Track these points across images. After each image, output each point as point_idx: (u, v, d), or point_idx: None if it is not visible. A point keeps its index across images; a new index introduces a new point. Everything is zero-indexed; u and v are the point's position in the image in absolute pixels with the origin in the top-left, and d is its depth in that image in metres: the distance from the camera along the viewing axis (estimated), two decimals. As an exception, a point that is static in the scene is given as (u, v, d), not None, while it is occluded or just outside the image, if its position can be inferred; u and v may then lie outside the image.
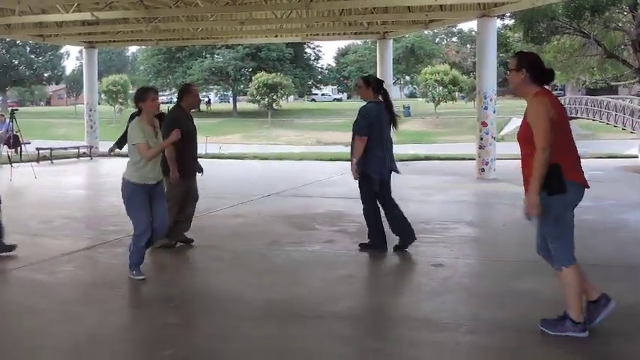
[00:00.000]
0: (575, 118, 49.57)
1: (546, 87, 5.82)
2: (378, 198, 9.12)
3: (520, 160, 5.86)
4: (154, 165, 7.66)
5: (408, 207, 12.39)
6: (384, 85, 9.37)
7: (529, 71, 5.71)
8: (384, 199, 9.15)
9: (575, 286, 5.75)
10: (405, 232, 9.18)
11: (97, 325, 6.27)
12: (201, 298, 7.16)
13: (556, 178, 5.52)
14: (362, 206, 9.19)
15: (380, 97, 9.06)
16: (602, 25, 24.59)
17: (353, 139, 8.93)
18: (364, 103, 8.98)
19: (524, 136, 5.68)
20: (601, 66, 28.14)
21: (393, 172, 9.23)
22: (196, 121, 9.58)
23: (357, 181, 9.04)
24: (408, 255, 9.06)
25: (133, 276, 7.68)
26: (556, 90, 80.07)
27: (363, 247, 9.26)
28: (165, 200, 7.98)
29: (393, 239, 9.21)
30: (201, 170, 9.66)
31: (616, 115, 41.77)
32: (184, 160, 9.07)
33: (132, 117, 9.83)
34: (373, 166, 8.88)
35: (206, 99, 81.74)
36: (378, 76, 25.15)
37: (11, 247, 8.86)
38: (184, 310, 6.74)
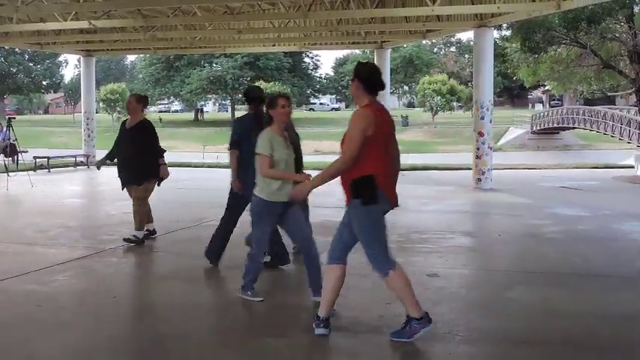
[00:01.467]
0: (573, 128, 49.68)
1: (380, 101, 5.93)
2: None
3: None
4: (284, 181, 6.94)
5: (404, 217, 12.43)
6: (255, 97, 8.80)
7: (361, 82, 5.82)
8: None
9: (404, 285, 5.86)
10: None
11: (90, 334, 6.26)
12: (196, 308, 7.14)
13: (370, 188, 5.66)
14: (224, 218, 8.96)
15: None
16: (599, 35, 24.59)
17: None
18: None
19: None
20: (598, 76, 28.10)
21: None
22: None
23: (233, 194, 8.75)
24: (402, 264, 9.03)
25: (246, 297, 7.22)
26: (554, 100, 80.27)
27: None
28: (302, 213, 7.51)
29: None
30: None
31: (613, 125, 41.81)
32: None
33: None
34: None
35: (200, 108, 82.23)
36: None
37: None
38: (178, 320, 6.73)
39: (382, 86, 5.95)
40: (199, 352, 5.85)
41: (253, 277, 7.23)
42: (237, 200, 8.67)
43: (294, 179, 6.91)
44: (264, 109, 7.28)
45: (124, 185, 10.56)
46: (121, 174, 10.44)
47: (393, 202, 5.91)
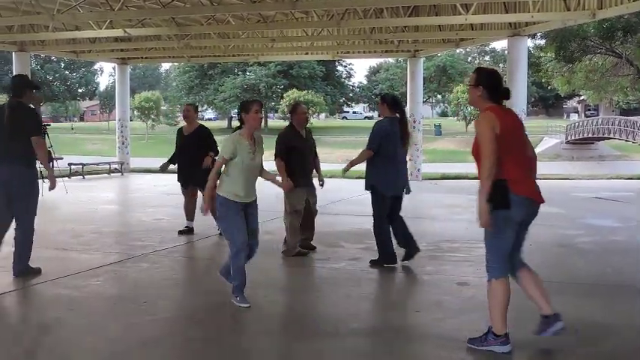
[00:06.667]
0: (608, 138, 49.19)
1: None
2: (388, 214, 9.35)
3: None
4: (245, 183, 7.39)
5: (434, 225, 12.41)
6: (401, 103, 9.76)
7: (486, 88, 5.77)
8: (393, 214, 9.39)
9: (500, 300, 5.82)
10: (411, 244, 9.43)
11: (120, 339, 6.32)
12: (224, 313, 7.17)
13: (500, 193, 5.54)
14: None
15: (396, 114, 9.42)
16: (635, 45, 24.39)
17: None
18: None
19: (476, 152, 5.74)
20: (634, 86, 27.92)
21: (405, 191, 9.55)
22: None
23: (371, 198, 9.39)
24: (432, 273, 9.05)
25: (236, 302, 7.25)
26: (589, 110, 79.64)
27: (373, 263, 9.41)
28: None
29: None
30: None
31: (649, 136, 41.44)
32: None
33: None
34: (384, 183, 9.22)
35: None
36: (409, 94, 25.45)
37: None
38: (207, 325, 6.77)
39: (508, 94, 5.90)
40: (228, 357, 5.89)
41: (240, 281, 7.23)
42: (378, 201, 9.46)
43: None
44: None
45: (185, 184, 11.88)
46: (184, 174, 11.78)
47: (535, 199, 5.85)
